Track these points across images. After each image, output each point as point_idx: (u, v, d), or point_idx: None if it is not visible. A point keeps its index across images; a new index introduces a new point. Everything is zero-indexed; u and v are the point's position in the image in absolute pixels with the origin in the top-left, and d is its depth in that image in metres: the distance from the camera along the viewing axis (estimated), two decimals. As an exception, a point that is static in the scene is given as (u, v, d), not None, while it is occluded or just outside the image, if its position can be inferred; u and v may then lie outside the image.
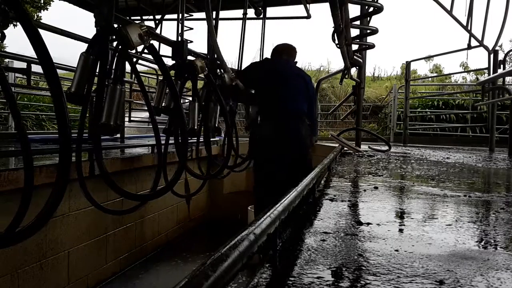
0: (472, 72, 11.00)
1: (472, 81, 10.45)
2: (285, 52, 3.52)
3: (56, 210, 1.35)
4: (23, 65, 2.87)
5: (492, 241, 1.07)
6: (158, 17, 5.01)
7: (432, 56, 10.06)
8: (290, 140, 3.25)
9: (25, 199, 1.25)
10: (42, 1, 8.06)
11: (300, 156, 3.28)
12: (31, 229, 1.27)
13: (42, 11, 8.17)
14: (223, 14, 3.80)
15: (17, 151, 2.83)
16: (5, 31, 1.95)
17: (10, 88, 1.20)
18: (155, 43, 2.57)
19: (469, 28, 5.62)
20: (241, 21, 4.33)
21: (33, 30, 1.15)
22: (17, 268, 2.53)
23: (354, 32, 3.77)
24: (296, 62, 3.60)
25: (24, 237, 1.28)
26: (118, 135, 4.57)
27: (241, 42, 4.33)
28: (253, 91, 3.52)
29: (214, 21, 3.70)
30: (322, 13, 4.13)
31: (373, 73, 14.31)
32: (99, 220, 3.28)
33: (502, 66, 5.60)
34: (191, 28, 5.14)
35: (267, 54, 4.82)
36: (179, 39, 3.05)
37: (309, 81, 3.55)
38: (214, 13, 3.72)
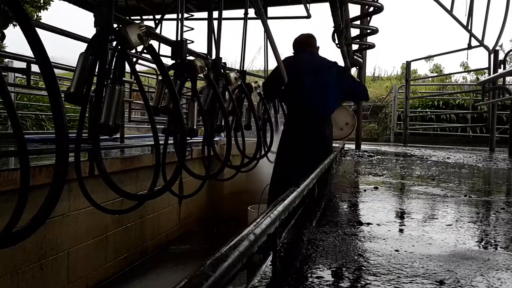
0: (472, 72, 11.01)
1: (473, 81, 10.45)
2: (305, 44, 3.36)
3: (53, 211, 1.34)
4: (23, 65, 2.86)
5: (493, 241, 1.07)
6: (158, 16, 5.01)
7: (432, 56, 10.07)
8: (310, 144, 3.18)
9: (21, 199, 1.24)
10: (41, 1, 8.06)
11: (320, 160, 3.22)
12: (27, 230, 1.27)
13: (41, 11, 8.17)
14: (223, 14, 3.79)
15: (17, 151, 2.83)
16: (5, 31, 1.95)
17: (7, 87, 1.19)
18: (155, 43, 2.57)
19: (469, 28, 5.62)
20: (240, 20, 4.32)
21: (30, 29, 1.15)
22: (17, 268, 2.53)
23: (354, 32, 3.77)
24: (318, 47, 3.43)
25: (20, 238, 1.27)
26: (118, 135, 4.57)
27: (243, 42, 4.33)
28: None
29: (216, 21, 3.69)
30: (322, 13, 4.13)
31: (373, 73, 14.33)
32: (99, 220, 3.28)
33: (502, 66, 5.61)
34: (192, 28, 5.14)
35: (268, 54, 4.80)
36: (179, 39, 3.05)
37: (337, 69, 3.35)
38: (217, 13, 3.71)
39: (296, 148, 3.22)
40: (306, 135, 3.19)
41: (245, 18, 4.27)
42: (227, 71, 3.62)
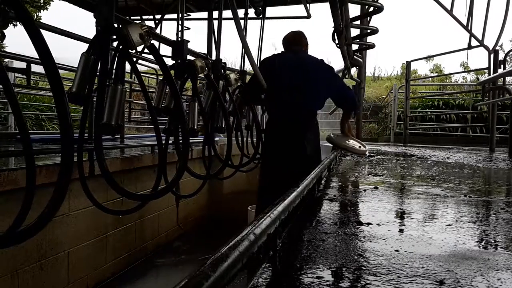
0: (472, 72, 11.01)
1: (473, 81, 10.45)
2: (293, 42, 3.24)
3: (58, 210, 1.35)
4: (23, 65, 2.87)
5: (493, 241, 1.07)
6: (158, 16, 5.01)
7: (432, 56, 10.07)
8: (290, 143, 3.06)
9: (27, 198, 1.25)
10: (41, 1, 8.06)
11: (302, 159, 3.02)
12: (33, 229, 1.28)
13: (41, 11, 8.17)
14: (223, 13, 3.79)
15: (17, 151, 2.83)
16: (5, 31, 1.95)
17: (12, 88, 1.20)
18: (155, 43, 2.57)
19: (469, 28, 5.62)
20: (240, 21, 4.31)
21: (34, 30, 1.15)
22: (17, 268, 2.53)
23: (354, 32, 3.77)
24: (307, 45, 3.29)
25: (26, 237, 1.28)
26: (118, 135, 4.57)
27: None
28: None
29: (216, 21, 3.70)
30: (322, 13, 4.12)
31: (373, 73, 14.33)
32: (99, 220, 3.28)
33: (502, 66, 5.61)
34: (188, 28, 5.14)
35: (266, 54, 4.79)
36: (179, 39, 3.05)
37: (324, 67, 3.18)
38: (217, 13, 3.72)
39: (274, 152, 3.12)
40: (285, 138, 3.07)
41: (246, 18, 4.27)
42: (227, 72, 3.63)
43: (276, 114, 3.20)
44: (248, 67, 4.06)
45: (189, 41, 4.58)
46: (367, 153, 3.61)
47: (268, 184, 3.09)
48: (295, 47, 3.22)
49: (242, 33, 2.37)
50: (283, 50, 3.31)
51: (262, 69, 3.10)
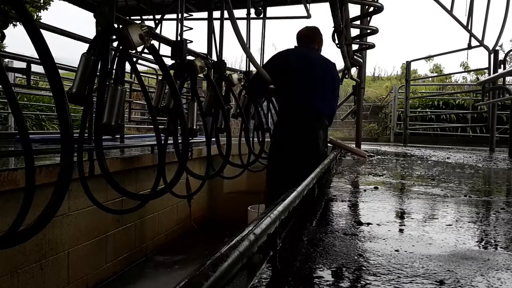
0: (472, 72, 11.01)
1: (473, 81, 10.45)
2: (306, 39, 3.24)
3: (58, 210, 1.35)
4: (23, 65, 2.87)
5: (493, 241, 1.07)
6: (158, 16, 5.01)
7: (432, 56, 10.07)
8: (299, 143, 3.04)
9: (26, 198, 1.25)
10: (41, 1, 8.06)
11: (315, 158, 2.95)
12: (33, 229, 1.27)
13: (41, 10, 8.17)
14: (224, 14, 3.79)
15: (17, 151, 2.83)
16: (4, 31, 1.95)
17: (12, 88, 1.20)
18: (155, 43, 2.57)
19: (469, 28, 5.63)
20: (240, 20, 4.32)
21: (34, 30, 1.15)
22: (16, 268, 2.53)
23: (354, 32, 3.77)
24: (321, 42, 3.29)
25: (26, 237, 1.28)
26: (118, 135, 4.57)
27: (246, 42, 4.32)
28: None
29: (217, 21, 3.70)
30: (322, 13, 4.12)
31: (373, 73, 14.33)
32: (99, 220, 3.28)
33: (502, 66, 5.61)
34: (191, 28, 5.14)
35: (266, 54, 4.79)
36: (179, 39, 3.05)
37: (334, 70, 3.24)
38: (217, 13, 3.71)
39: (283, 149, 3.10)
40: (295, 134, 3.06)
41: (248, 18, 4.27)
42: (230, 72, 3.63)
43: (289, 112, 3.17)
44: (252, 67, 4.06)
45: (191, 41, 4.58)
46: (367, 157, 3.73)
47: (278, 182, 3.08)
48: (309, 44, 3.24)
49: (239, 33, 2.36)
50: (296, 45, 3.30)
51: (274, 62, 3.12)
